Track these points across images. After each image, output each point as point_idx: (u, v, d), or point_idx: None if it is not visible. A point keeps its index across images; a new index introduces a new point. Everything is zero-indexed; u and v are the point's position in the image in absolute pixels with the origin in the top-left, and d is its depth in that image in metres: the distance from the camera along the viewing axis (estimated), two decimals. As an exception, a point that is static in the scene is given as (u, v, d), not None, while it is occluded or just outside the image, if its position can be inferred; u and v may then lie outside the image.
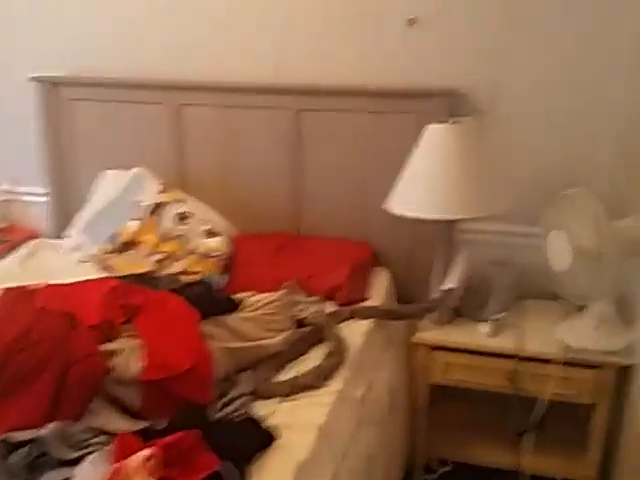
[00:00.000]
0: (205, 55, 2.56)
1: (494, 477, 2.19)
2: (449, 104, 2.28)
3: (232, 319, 1.87)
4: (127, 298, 1.77)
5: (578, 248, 1.91)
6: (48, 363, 1.47)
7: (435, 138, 2.05)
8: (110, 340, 1.64)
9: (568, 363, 1.96)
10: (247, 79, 2.50)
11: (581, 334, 2.01)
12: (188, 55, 2.58)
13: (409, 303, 2.33)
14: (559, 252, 1.97)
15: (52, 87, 2.69)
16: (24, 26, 2.72)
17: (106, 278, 2.05)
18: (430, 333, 2.13)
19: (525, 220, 2.26)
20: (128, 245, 2.40)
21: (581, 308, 2.08)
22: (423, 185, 2.06)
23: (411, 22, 2.30)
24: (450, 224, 2.18)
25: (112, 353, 1.59)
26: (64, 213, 2.79)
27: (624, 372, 1.96)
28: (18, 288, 1.81)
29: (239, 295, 2.01)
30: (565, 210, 1.97)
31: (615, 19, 2.12)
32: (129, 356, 1.58)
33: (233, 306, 1.92)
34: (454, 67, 2.30)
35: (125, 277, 2.05)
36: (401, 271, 2.44)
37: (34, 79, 2.68)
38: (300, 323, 2.00)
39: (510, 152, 2.30)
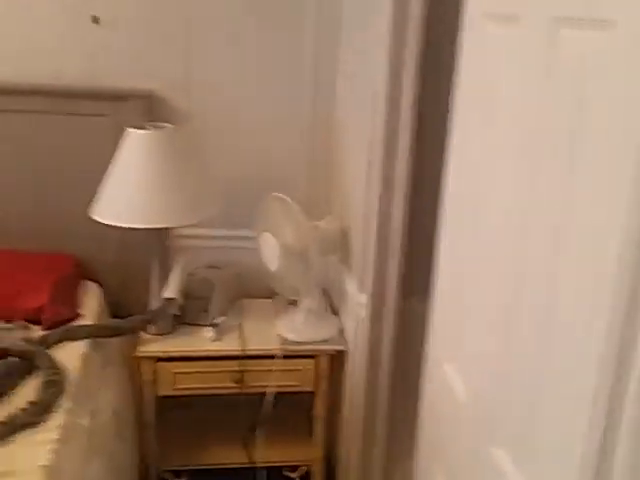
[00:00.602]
0: None
1: (231, 477, 2.20)
2: (146, 107, 2.21)
3: None
4: None
5: (284, 247, 2.02)
6: None
7: (137, 144, 1.96)
8: None
9: (289, 356, 2.06)
10: None
11: (296, 327, 2.13)
12: None
13: (126, 317, 2.20)
14: (270, 252, 2.06)
15: None
16: None
17: None
18: (153, 345, 2.05)
19: (238, 224, 2.31)
20: None
21: (294, 303, 2.21)
22: (127, 193, 1.97)
23: (95, 19, 2.18)
24: (163, 231, 2.12)
25: None
26: None
27: (335, 358, 2.12)
28: None
29: None
30: (271, 213, 2.06)
31: (298, 33, 2.27)
32: None
33: None
34: (150, 69, 2.25)
35: None
36: (114, 283, 2.30)
37: None
38: (2, 354, 1.74)
39: (216, 158, 2.31)
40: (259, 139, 2.36)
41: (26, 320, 1.94)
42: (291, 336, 2.10)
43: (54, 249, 2.21)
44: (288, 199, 2.04)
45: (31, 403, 1.55)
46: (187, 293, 2.16)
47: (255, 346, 2.07)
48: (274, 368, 2.05)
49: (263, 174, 2.36)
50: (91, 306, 2.13)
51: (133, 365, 2.05)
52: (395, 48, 1.69)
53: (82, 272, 2.25)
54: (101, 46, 2.21)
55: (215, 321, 2.14)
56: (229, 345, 2.07)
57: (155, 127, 2.01)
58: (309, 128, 2.36)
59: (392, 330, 1.89)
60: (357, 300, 1.96)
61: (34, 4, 2.16)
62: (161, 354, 2.03)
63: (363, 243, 1.92)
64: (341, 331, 2.14)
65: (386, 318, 1.88)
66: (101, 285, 2.27)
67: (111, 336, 2.03)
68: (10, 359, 1.72)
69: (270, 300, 2.32)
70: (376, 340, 1.90)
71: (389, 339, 1.89)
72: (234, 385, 2.06)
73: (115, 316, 2.24)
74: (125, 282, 2.30)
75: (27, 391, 1.63)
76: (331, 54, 2.26)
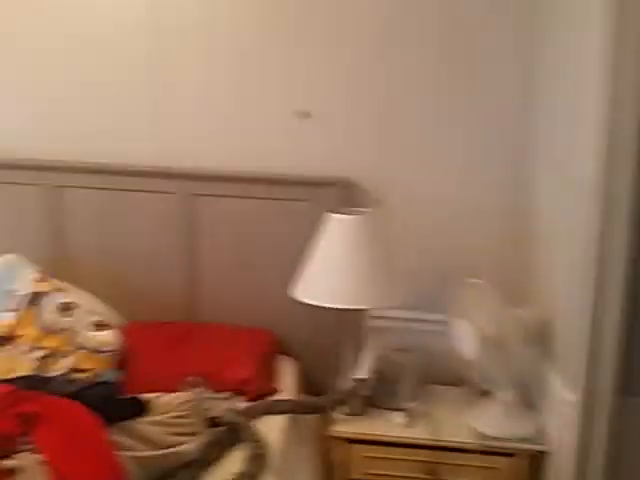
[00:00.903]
0: (84, 134, 2.42)
1: None
2: (343, 193, 2.31)
3: (139, 424, 1.68)
4: (21, 406, 1.52)
5: (481, 335, 1.97)
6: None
7: (336, 228, 2.06)
8: (6, 455, 1.38)
9: (483, 451, 1.97)
10: (131, 160, 2.37)
11: (492, 421, 2.03)
12: (65, 133, 2.42)
13: (318, 394, 2.24)
14: (465, 339, 2.02)
15: None
16: None
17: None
18: (344, 426, 2.06)
19: (430, 307, 2.30)
20: (4, 339, 2.10)
21: (486, 394, 2.12)
22: (326, 274, 2.06)
23: (302, 115, 2.34)
24: (356, 311, 2.17)
25: (10, 472, 1.34)
26: None
27: (537, 459, 1.98)
28: None
29: (144, 396, 1.81)
30: (466, 299, 2.03)
31: (487, 118, 2.28)
32: (32, 475, 1.34)
33: (140, 409, 1.73)
34: (345, 157, 2.35)
35: (12, 380, 1.78)
36: (305, 359, 2.36)
37: None
38: (212, 423, 1.83)
39: (409, 241, 2.34)
40: (451, 222, 2.36)
41: (232, 391, 2.04)
42: (486, 430, 2.01)
43: (255, 324, 2.34)
44: (484, 284, 2.00)
45: (239, 475, 1.61)
46: (377, 375, 2.16)
47: (447, 437, 2.01)
48: (468, 463, 1.96)
49: (456, 257, 2.34)
50: (287, 382, 2.21)
51: (324, 444, 2.07)
52: (610, 130, 1.62)
53: (279, 348, 2.34)
54: (301, 136, 2.36)
55: (405, 406, 2.11)
56: (420, 433, 2.03)
57: (353, 212, 2.09)
58: (503, 211, 2.33)
59: (606, 433, 1.73)
60: (563, 397, 1.84)
61: (241, 99, 2.36)
62: (352, 436, 2.03)
63: (572, 335, 1.82)
64: (541, 430, 2.01)
65: (598, 419, 1.73)
66: (295, 360, 2.35)
67: (307, 413, 2.08)
68: (218, 429, 1.80)
69: (460, 388, 2.25)
70: (586, 443, 1.76)
71: (602, 443, 1.74)
72: (424, 476, 2.00)
73: (308, 392, 2.29)
74: (317, 359, 2.36)
75: (232, 462, 1.70)
76: (524, 133, 2.25)
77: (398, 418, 2.08)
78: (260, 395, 2.05)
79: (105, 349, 2.12)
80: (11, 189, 2.43)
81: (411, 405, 2.12)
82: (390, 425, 2.07)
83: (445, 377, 2.29)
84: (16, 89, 2.43)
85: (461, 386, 2.24)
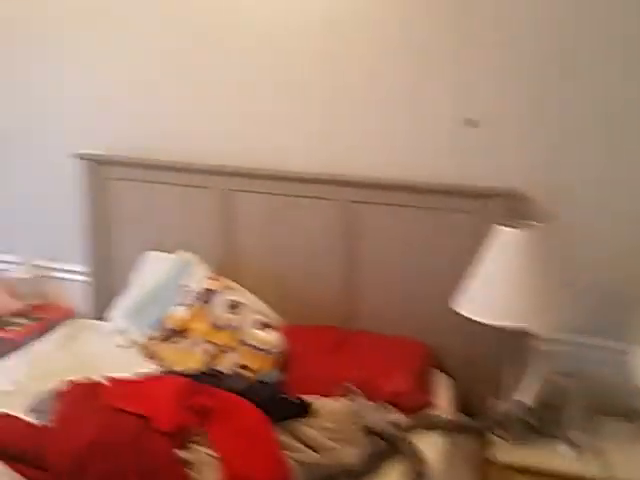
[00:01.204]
0: (255, 141, 2.50)
1: None
2: (508, 205, 2.20)
3: (300, 427, 1.71)
4: (196, 399, 1.61)
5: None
6: (127, 472, 1.30)
7: (506, 241, 1.97)
8: (182, 446, 1.47)
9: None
10: (299, 167, 2.43)
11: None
12: (237, 140, 2.52)
13: (472, 413, 2.17)
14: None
15: (96, 165, 2.64)
16: (71, 105, 2.70)
17: (170, 375, 1.89)
18: (510, 453, 1.97)
19: (602, 332, 2.14)
20: (177, 332, 2.25)
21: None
22: (490, 289, 1.98)
23: (471, 123, 2.26)
24: (521, 331, 2.07)
25: (184, 462, 1.42)
26: (104, 293, 2.66)
27: None
28: (84, 383, 1.65)
29: (307, 398, 1.84)
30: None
31: None
32: (206, 471, 1.40)
33: (304, 410, 1.76)
34: (513, 168, 2.24)
35: (190, 374, 1.89)
36: (461, 376, 2.29)
37: (79, 156, 2.62)
38: (368, 432, 1.83)
39: (584, 260, 2.19)
40: (633, 240, 2.15)
41: (386, 402, 2.01)
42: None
43: (410, 336, 2.30)
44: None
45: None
46: (541, 400, 2.05)
47: (621, 474, 1.86)
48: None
49: (632, 281, 2.16)
50: (442, 397, 2.15)
51: (483, 468, 1.99)
52: None
53: (433, 361, 2.30)
54: (466, 145, 2.28)
55: (571, 436, 1.98)
56: (590, 469, 1.89)
57: (522, 225, 2.00)
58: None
59: None
60: None
61: (405, 106, 2.32)
62: (518, 464, 1.94)
63: None
64: None
65: None
66: (451, 377, 2.29)
67: (464, 432, 2.01)
68: (378, 440, 1.79)
69: (634, 423, 2.08)
70: None
71: None
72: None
73: (461, 410, 2.23)
74: (474, 377, 2.28)
75: (391, 475, 1.69)
76: None
77: (565, 449, 1.96)
78: (414, 409, 2.01)
79: (268, 348, 2.19)
80: (186, 191, 2.58)
81: (578, 436, 1.98)
82: (556, 456, 1.95)
83: (617, 409, 2.13)
84: (193, 99, 2.56)
85: (635, 420, 2.07)
